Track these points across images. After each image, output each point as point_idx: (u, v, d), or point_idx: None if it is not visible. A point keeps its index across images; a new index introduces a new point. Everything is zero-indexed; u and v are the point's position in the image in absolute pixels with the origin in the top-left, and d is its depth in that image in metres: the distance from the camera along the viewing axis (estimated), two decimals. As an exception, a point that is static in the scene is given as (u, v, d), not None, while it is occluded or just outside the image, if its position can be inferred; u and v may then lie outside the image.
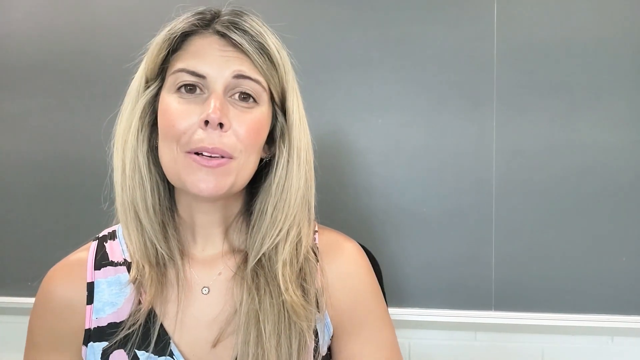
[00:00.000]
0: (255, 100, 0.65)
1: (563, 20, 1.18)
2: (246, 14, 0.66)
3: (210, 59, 0.63)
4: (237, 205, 0.71)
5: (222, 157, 0.62)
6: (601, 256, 1.17)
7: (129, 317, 0.65)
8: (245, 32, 0.64)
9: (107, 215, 0.73)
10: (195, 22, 0.65)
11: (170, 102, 0.63)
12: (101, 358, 0.66)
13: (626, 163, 1.16)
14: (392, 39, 1.23)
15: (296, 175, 0.67)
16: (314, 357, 0.68)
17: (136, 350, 0.65)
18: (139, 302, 0.66)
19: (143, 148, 0.66)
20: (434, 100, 1.22)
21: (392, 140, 1.24)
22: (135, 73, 0.68)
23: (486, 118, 1.20)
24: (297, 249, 0.69)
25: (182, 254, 0.70)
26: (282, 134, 0.68)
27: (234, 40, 0.63)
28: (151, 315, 0.66)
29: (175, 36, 0.64)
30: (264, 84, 0.65)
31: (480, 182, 1.21)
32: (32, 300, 1.38)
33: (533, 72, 1.19)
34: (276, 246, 0.67)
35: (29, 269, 1.35)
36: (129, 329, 0.65)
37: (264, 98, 0.66)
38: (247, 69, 0.63)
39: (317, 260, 0.71)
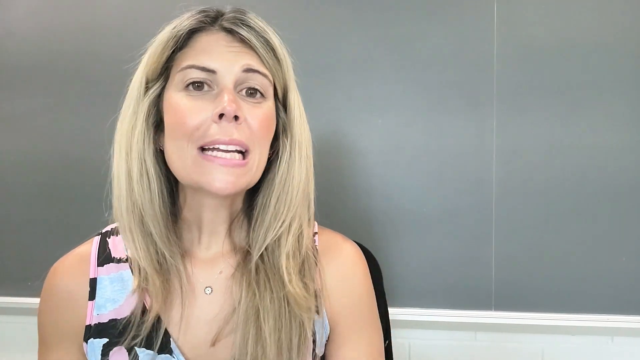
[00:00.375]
0: (262, 95, 0.65)
1: (563, 21, 1.18)
2: (249, 12, 0.67)
3: (219, 55, 0.63)
4: (241, 201, 0.71)
5: (238, 152, 0.62)
6: (601, 256, 1.17)
7: (132, 319, 0.65)
8: (251, 28, 0.65)
9: (107, 216, 0.72)
10: (201, 19, 0.65)
11: (179, 100, 0.63)
12: (101, 355, 0.66)
13: (626, 163, 1.17)
14: (392, 39, 1.23)
15: (298, 168, 0.68)
16: (312, 358, 0.68)
17: (136, 348, 0.65)
18: (144, 307, 0.66)
19: (150, 151, 0.65)
20: (434, 100, 1.22)
21: (392, 140, 1.24)
22: (133, 74, 0.68)
23: (486, 118, 1.20)
24: (299, 242, 0.70)
25: (184, 256, 0.70)
26: (285, 129, 0.69)
27: (242, 35, 0.64)
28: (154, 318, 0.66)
29: (182, 33, 0.64)
30: (271, 78, 0.66)
31: (480, 182, 1.21)
32: (32, 300, 1.39)
33: (533, 72, 1.19)
34: (279, 238, 0.68)
35: (29, 269, 1.35)
36: (134, 331, 0.65)
37: (270, 92, 0.67)
38: (255, 63, 0.64)
39: (316, 263, 0.71)
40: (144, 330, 0.65)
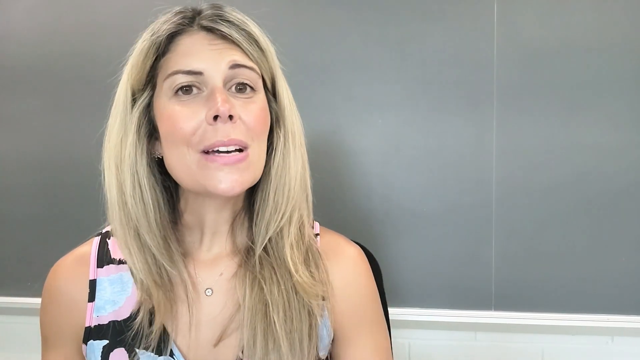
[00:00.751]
0: (252, 89, 0.64)
1: (563, 20, 1.18)
2: (225, 6, 0.66)
3: (203, 55, 0.62)
4: (242, 199, 0.71)
5: (239, 149, 0.62)
6: (601, 256, 1.17)
7: (134, 323, 0.65)
8: (231, 22, 0.64)
9: (104, 222, 0.72)
10: (178, 21, 0.64)
11: (171, 107, 0.62)
12: (101, 356, 0.66)
13: (626, 163, 1.16)
14: (392, 39, 1.23)
15: (293, 158, 0.68)
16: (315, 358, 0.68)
17: (137, 350, 0.65)
18: (150, 316, 0.65)
19: (143, 162, 0.64)
20: (434, 100, 1.22)
21: (392, 140, 1.24)
22: (116, 87, 0.66)
23: (486, 118, 1.20)
24: (300, 231, 0.70)
25: (186, 259, 0.69)
26: (278, 120, 0.68)
27: (223, 32, 0.63)
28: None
29: (162, 39, 0.63)
30: (258, 70, 0.65)
31: (480, 182, 1.21)
32: (32, 300, 1.39)
33: (533, 72, 1.19)
34: (281, 230, 0.68)
35: (29, 269, 1.35)
36: (135, 334, 0.65)
37: (260, 85, 0.66)
38: (240, 58, 0.63)
39: (318, 268, 0.71)
40: (147, 334, 0.65)
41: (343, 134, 1.25)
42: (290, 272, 0.66)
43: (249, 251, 0.69)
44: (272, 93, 0.69)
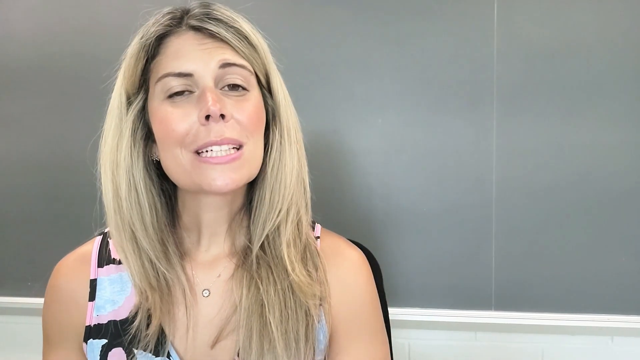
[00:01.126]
0: (245, 88, 0.64)
1: (563, 20, 1.18)
2: (214, 3, 0.65)
3: (193, 56, 0.61)
4: (240, 198, 0.70)
5: (233, 148, 0.61)
6: (601, 256, 1.17)
7: (132, 323, 0.65)
8: (219, 20, 0.63)
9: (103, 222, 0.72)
10: (166, 22, 0.63)
11: (164, 109, 0.61)
12: (100, 356, 0.67)
13: (626, 163, 1.16)
14: (392, 39, 1.23)
15: (289, 154, 0.67)
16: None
17: (134, 350, 0.65)
18: (148, 319, 0.65)
19: (139, 165, 0.64)
20: (434, 100, 1.22)
21: (391, 140, 1.24)
22: (111, 91, 0.66)
23: (486, 118, 1.20)
24: (298, 229, 0.69)
25: (184, 260, 0.69)
26: (274, 116, 0.68)
27: (211, 30, 0.62)
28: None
29: (151, 42, 0.62)
30: (250, 68, 0.64)
31: (480, 182, 1.21)
32: (32, 300, 1.39)
33: (533, 72, 1.19)
34: (278, 227, 0.67)
35: (29, 269, 1.35)
36: (133, 335, 0.65)
37: (253, 82, 0.65)
38: (230, 56, 0.62)
39: (317, 270, 0.70)
40: (144, 335, 0.65)
41: (343, 134, 1.25)
42: (287, 271, 0.66)
43: (246, 251, 0.69)
44: (267, 89, 0.68)
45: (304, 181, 0.70)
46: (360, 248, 0.78)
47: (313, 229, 0.76)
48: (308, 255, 0.69)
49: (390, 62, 1.23)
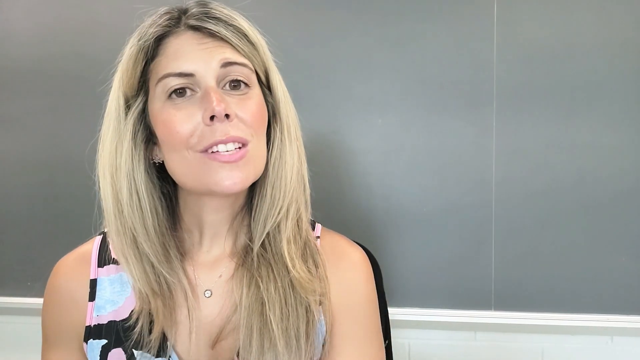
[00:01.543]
0: (247, 85, 0.63)
1: (563, 20, 1.18)
2: (211, 2, 0.65)
3: (193, 55, 0.61)
4: (242, 198, 0.70)
5: (239, 146, 0.61)
6: (601, 256, 1.17)
7: (133, 324, 0.65)
8: (218, 19, 0.62)
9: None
10: (164, 23, 0.63)
11: (166, 111, 0.61)
12: (100, 356, 0.66)
13: (626, 163, 1.16)
14: (392, 39, 1.23)
15: (289, 152, 0.67)
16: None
17: (134, 350, 0.65)
18: (150, 323, 0.65)
19: (140, 169, 0.63)
20: (434, 100, 1.22)
21: (391, 140, 1.24)
22: (108, 94, 0.65)
23: (486, 118, 1.20)
24: (298, 226, 0.69)
25: (186, 265, 0.69)
26: (274, 114, 0.67)
27: (210, 29, 0.62)
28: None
29: (149, 43, 0.62)
30: (250, 66, 0.64)
31: (480, 182, 1.21)
32: (32, 300, 1.39)
33: (533, 72, 1.19)
34: (278, 224, 0.67)
35: (29, 269, 1.35)
36: (134, 335, 0.65)
37: (254, 80, 0.65)
38: (231, 55, 0.62)
39: (317, 267, 0.70)
40: (147, 341, 0.64)
41: (343, 134, 1.25)
42: (287, 268, 0.65)
43: (247, 249, 0.69)
44: (267, 87, 0.68)
45: (304, 178, 0.70)
46: (361, 248, 0.77)
47: (313, 228, 0.75)
48: (308, 252, 0.69)
49: (390, 62, 1.23)
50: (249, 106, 0.62)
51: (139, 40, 0.62)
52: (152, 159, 0.66)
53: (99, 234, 0.74)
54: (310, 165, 0.72)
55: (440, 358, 1.30)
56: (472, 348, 1.29)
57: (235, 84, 0.63)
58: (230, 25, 0.63)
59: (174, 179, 0.64)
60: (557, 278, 1.19)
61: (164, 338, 0.65)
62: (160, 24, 0.62)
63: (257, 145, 0.63)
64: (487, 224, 1.21)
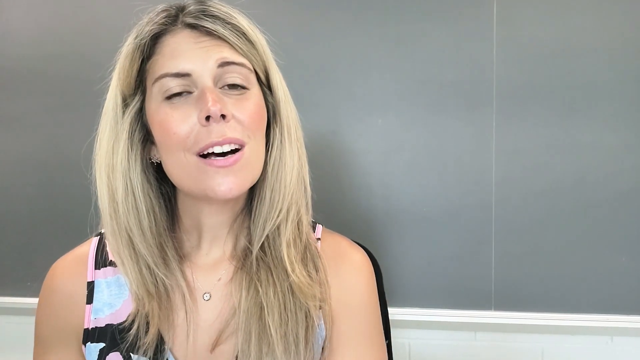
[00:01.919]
0: (245, 86, 0.62)
1: (563, 21, 1.18)
2: (209, 0, 0.63)
3: (190, 54, 0.59)
4: (241, 201, 0.69)
5: (235, 149, 0.60)
6: (601, 256, 1.17)
7: (130, 328, 0.64)
8: (215, 17, 0.61)
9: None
10: (161, 21, 0.61)
11: (162, 111, 0.60)
12: (97, 359, 0.66)
13: (626, 163, 1.16)
14: (392, 39, 1.23)
15: (289, 153, 0.65)
16: None
17: (132, 354, 0.64)
18: (147, 325, 0.64)
19: (136, 169, 0.62)
20: (434, 100, 1.22)
21: (391, 140, 1.24)
22: (106, 93, 0.64)
23: (486, 118, 1.20)
24: (298, 229, 0.68)
25: (184, 268, 0.68)
26: (274, 114, 0.66)
27: (208, 28, 0.60)
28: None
29: (146, 41, 0.61)
30: (249, 65, 0.63)
31: (480, 183, 1.21)
32: (32, 300, 1.39)
33: (533, 72, 1.19)
34: (278, 227, 0.66)
35: (29, 269, 1.35)
36: (131, 339, 0.64)
37: (252, 80, 0.63)
38: (228, 54, 0.61)
39: (318, 271, 0.69)
40: (142, 343, 0.63)
41: (343, 134, 1.25)
42: (287, 272, 0.64)
43: (246, 252, 0.68)
44: (267, 86, 0.66)
45: (305, 180, 0.68)
46: (362, 248, 0.77)
47: (314, 230, 0.74)
48: (308, 256, 0.68)
49: (390, 62, 1.23)
50: (246, 107, 0.61)
51: (136, 38, 0.61)
52: (150, 159, 0.65)
53: (96, 235, 0.73)
54: (310, 165, 0.71)
55: (440, 358, 1.29)
56: (472, 348, 1.28)
57: (233, 84, 0.61)
58: (228, 23, 0.61)
59: (171, 180, 0.63)
60: (557, 278, 1.19)
61: (161, 341, 0.64)
62: (157, 22, 0.61)
63: (255, 147, 0.62)
64: (487, 224, 1.21)
